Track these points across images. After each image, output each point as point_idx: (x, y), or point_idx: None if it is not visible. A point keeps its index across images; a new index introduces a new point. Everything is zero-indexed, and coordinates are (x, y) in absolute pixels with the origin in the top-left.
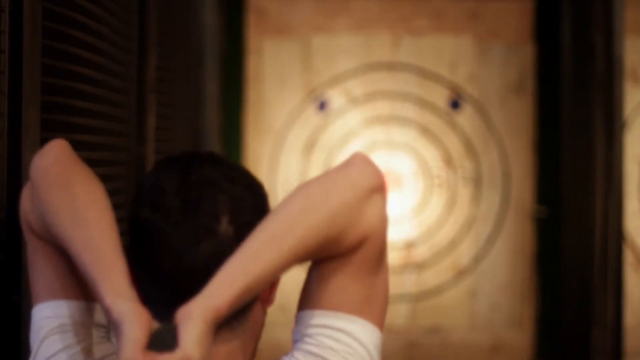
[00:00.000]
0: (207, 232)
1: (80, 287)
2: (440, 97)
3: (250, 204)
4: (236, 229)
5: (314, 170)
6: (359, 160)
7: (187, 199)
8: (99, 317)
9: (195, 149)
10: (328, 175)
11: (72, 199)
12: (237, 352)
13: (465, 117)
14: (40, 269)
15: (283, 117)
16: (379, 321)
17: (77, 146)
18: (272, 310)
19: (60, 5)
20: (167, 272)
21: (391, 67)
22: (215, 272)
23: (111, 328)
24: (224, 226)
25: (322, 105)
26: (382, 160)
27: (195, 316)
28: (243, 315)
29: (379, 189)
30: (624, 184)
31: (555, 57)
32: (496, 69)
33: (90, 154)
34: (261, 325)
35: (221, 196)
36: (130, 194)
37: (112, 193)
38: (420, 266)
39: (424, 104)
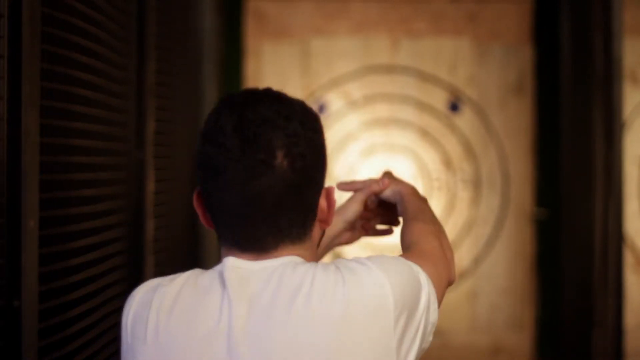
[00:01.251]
0: (264, 166)
1: None
2: (439, 99)
3: (303, 138)
4: (290, 162)
5: None
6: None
7: (245, 137)
8: None
9: (255, 88)
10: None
11: None
12: (300, 255)
13: (465, 120)
14: None
15: None
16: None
17: (76, 151)
18: None
19: (59, 10)
20: (230, 204)
21: (390, 69)
22: (274, 202)
23: None
24: (279, 160)
25: (322, 108)
26: (382, 163)
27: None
28: (304, 233)
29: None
30: (624, 185)
31: (554, 59)
32: (495, 70)
33: (90, 158)
34: (318, 242)
35: (276, 132)
36: (131, 198)
37: (111, 197)
38: None
39: (423, 106)
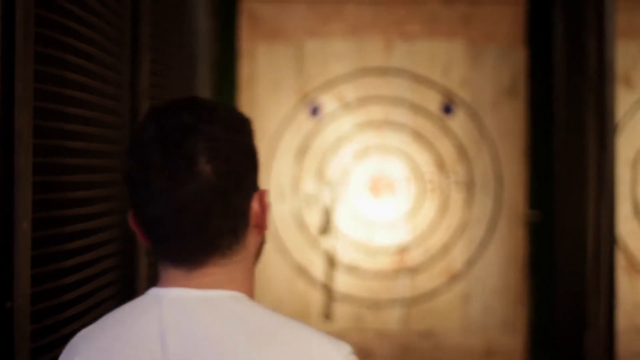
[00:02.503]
0: (186, 173)
1: None
2: (433, 101)
3: (227, 141)
4: (214, 167)
5: (307, 175)
6: None
7: (165, 146)
8: None
9: (179, 97)
10: None
11: None
12: (232, 278)
13: (458, 122)
14: None
15: (276, 122)
16: None
17: (70, 153)
18: None
19: (52, 11)
20: (157, 217)
21: (384, 72)
22: (201, 209)
23: None
24: (201, 166)
25: (315, 110)
26: (375, 165)
27: None
28: (236, 242)
29: None
30: (616, 187)
31: (548, 61)
32: (489, 73)
33: (83, 160)
34: (255, 251)
35: (197, 138)
36: (124, 200)
37: (105, 199)
38: (413, 271)
39: (416, 108)
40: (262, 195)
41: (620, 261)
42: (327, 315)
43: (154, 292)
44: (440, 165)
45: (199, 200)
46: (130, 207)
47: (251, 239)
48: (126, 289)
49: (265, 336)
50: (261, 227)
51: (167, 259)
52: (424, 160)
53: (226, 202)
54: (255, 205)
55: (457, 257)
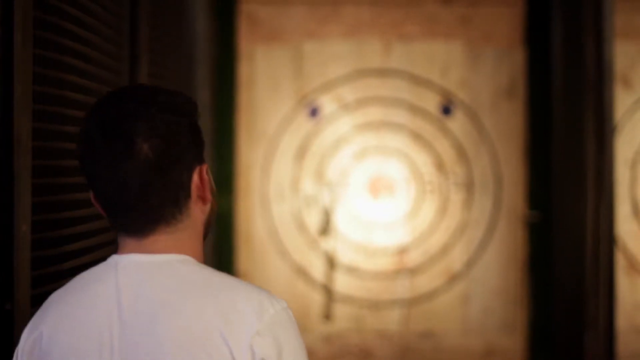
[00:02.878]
0: (125, 154)
1: None
2: (431, 102)
3: (162, 122)
4: (151, 146)
5: (306, 176)
6: None
7: (106, 132)
8: None
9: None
10: None
11: None
12: (180, 244)
13: (457, 123)
14: None
15: (275, 123)
16: None
17: (69, 155)
18: None
19: (51, 14)
20: (106, 194)
21: (382, 73)
22: (141, 185)
23: None
24: (139, 146)
25: (314, 112)
26: (374, 166)
27: None
28: (179, 212)
29: None
30: (615, 188)
31: (546, 62)
32: (487, 74)
33: None
34: (202, 221)
35: (135, 121)
36: None
37: None
38: (413, 271)
39: (415, 109)
40: (202, 169)
41: (620, 261)
42: (327, 316)
43: (111, 259)
44: (440, 166)
45: (138, 176)
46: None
47: (196, 209)
48: None
49: (203, 289)
50: (204, 198)
51: (121, 230)
52: (423, 161)
53: (165, 177)
54: (196, 178)
55: (457, 257)
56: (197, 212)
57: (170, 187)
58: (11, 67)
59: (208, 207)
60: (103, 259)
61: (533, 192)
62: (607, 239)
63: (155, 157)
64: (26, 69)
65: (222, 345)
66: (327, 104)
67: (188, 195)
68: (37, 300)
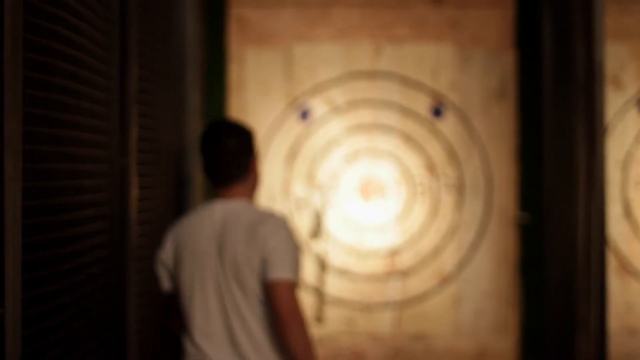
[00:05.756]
0: (219, 144)
1: None
2: (422, 104)
3: (236, 133)
4: (230, 142)
5: (297, 179)
6: None
7: (213, 135)
8: None
9: (223, 120)
10: None
11: None
12: (243, 191)
13: (448, 125)
14: None
15: (266, 126)
16: None
17: (59, 158)
18: None
19: (41, 17)
20: (210, 165)
21: (373, 75)
22: (226, 162)
23: None
24: (225, 141)
25: (305, 114)
26: (365, 168)
27: None
28: (244, 174)
29: None
30: (606, 189)
31: (537, 64)
32: (478, 76)
33: (73, 165)
34: (255, 180)
35: (224, 132)
36: (114, 205)
37: (95, 204)
38: (404, 274)
39: (406, 111)
40: (254, 156)
41: (611, 263)
42: (319, 318)
43: (211, 201)
44: (431, 168)
45: (225, 154)
46: (202, 161)
47: (252, 174)
48: (116, 294)
49: (253, 213)
50: (254, 169)
51: (215, 184)
52: (414, 163)
53: (238, 157)
54: (252, 160)
55: (448, 259)
56: (252, 176)
57: (241, 162)
58: (1, 70)
59: (256, 174)
60: (93, 262)
61: (524, 194)
62: (598, 241)
63: (232, 147)
64: (16, 72)
65: (259, 237)
66: (317, 106)
67: (248, 167)
68: (28, 304)
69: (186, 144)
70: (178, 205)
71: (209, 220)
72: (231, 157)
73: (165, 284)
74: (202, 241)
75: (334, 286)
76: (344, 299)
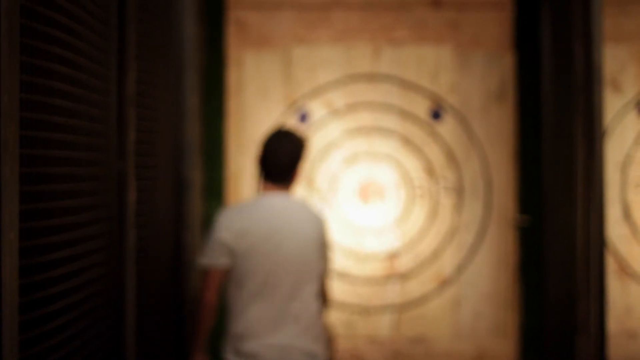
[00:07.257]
0: (281, 149)
1: None
2: (421, 107)
3: (296, 145)
4: (289, 148)
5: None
6: None
7: (276, 140)
8: None
9: (287, 129)
10: None
11: None
12: (289, 188)
13: (447, 127)
14: None
15: (264, 129)
16: None
17: (57, 162)
18: None
19: (38, 21)
20: (271, 165)
21: (372, 78)
22: (286, 164)
23: None
24: (285, 147)
25: (304, 117)
26: (364, 171)
27: None
28: (294, 175)
29: None
30: (606, 191)
31: (536, 66)
32: (477, 78)
33: (71, 169)
34: (297, 182)
35: (286, 139)
36: (112, 209)
37: (92, 208)
38: (403, 276)
39: (405, 114)
40: (301, 162)
41: (611, 265)
42: None
43: (264, 195)
44: (430, 170)
45: (286, 158)
46: (260, 159)
47: (297, 176)
48: (114, 298)
49: (299, 206)
50: (299, 171)
51: (270, 181)
52: (413, 166)
53: (294, 163)
54: (299, 164)
55: (447, 262)
56: (297, 177)
57: (295, 165)
58: None
59: (299, 175)
60: (91, 266)
61: (523, 196)
62: (597, 243)
63: (290, 152)
64: (13, 76)
65: (308, 226)
66: (316, 109)
67: (297, 171)
68: (26, 308)
69: (184, 147)
70: (176, 209)
71: (270, 209)
72: (289, 162)
73: (222, 260)
74: (272, 226)
75: (333, 289)
76: (343, 302)
